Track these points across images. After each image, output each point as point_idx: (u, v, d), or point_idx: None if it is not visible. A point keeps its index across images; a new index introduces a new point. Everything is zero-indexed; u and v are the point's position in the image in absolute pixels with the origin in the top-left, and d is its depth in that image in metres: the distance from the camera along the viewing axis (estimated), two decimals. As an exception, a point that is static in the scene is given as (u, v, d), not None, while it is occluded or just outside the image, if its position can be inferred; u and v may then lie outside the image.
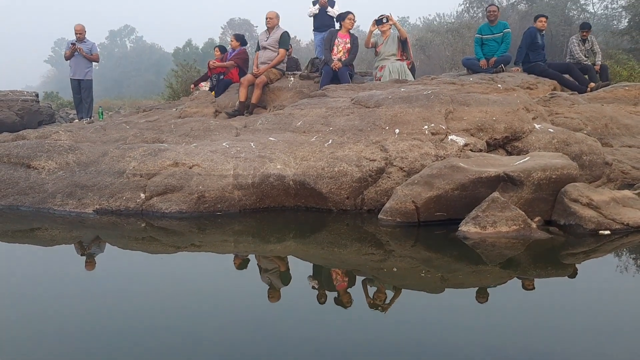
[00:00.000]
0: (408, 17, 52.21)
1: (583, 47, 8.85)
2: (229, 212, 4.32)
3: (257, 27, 54.23)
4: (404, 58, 7.80)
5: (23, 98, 14.87)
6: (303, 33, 36.62)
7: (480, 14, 28.36)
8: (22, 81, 74.76)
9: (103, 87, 47.42)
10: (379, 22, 7.86)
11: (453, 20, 34.36)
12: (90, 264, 3.54)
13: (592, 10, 32.54)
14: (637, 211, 3.70)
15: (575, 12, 27.88)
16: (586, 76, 8.40)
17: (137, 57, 63.47)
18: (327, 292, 2.87)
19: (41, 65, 77.29)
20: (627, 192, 3.96)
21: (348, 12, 8.15)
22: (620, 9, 28.06)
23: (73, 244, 4.01)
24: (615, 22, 30.08)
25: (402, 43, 7.87)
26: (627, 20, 23.57)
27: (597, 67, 8.79)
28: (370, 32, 7.92)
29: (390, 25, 7.88)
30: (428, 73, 25.80)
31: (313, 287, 3.00)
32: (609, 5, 31.93)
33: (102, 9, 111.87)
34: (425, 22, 45.99)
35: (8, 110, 14.33)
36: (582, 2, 30.53)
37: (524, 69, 8.27)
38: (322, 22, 9.74)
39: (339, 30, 8.14)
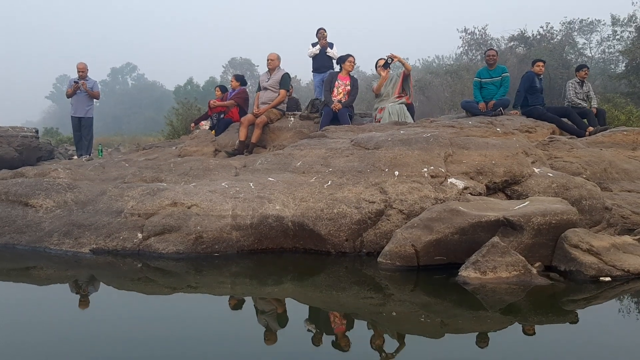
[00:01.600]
0: (407, 58, 52.77)
1: (581, 90, 8.94)
2: (227, 253, 4.28)
3: (257, 66, 55.04)
4: (403, 95, 7.87)
5: (23, 134, 14.92)
6: (303, 73, 37.21)
7: (478, 57, 28.83)
8: (23, 116, 75.35)
9: (103, 123, 47.82)
10: (386, 65, 7.97)
11: (452, 62, 34.96)
12: (84, 303, 3.50)
13: (590, 54, 33.14)
14: (637, 257, 3.67)
15: (573, 56, 28.37)
16: (585, 120, 8.47)
17: (138, 94, 64.14)
18: (324, 335, 2.83)
19: (42, 101, 77.99)
20: (627, 238, 3.94)
21: (348, 55, 8.27)
22: (617, 54, 28.57)
23: (68, 284, 3.97)
24: (612, 66, 30.59)
25: (405, 78, 7.97)
26: (624, 64, 23.96)
27: (594, 110, 8.88)
28: (384, 78, 7.97)
29: (383, 69, 8.04)
30: (427, 114, 26.14)
31: (309, 330, 2.95)
32: (606, 50, 32.56)
33: (104, 47, 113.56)
34: (424, 63, 46.79)
35: (7, 146, 14.36)
36: (580, 46, 31.15)
37: (523, 112, 8.34)
38: (322, 63, 9.89)
39: (339, 72, 8.25)
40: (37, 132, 15.99)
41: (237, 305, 3.47)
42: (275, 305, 3.42)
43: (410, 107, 7.90)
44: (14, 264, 4.34)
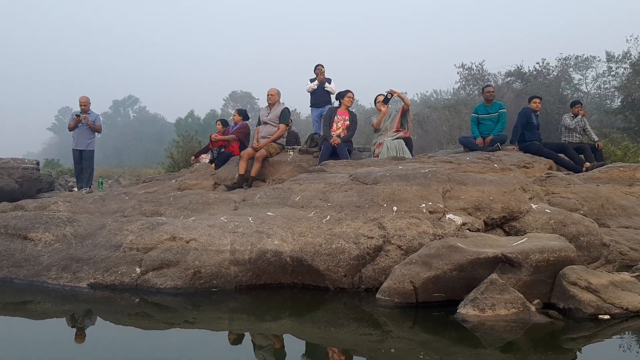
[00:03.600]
0: (406, 92, 53.45)
1: (574, 122, 9.11)
2: (225, 288, 4.27)
3: (258, 99, 55.53)
4: (401, 129, 7.95)
5: (24, 166, 14.97)
6: (303, 106, 37.50)
7: (476, 91, 29.16)
8: (24, 147, 75.71)
9: (104, 155, 47.98)
10: (386, 100, 8.08)
11: (450, 97, 35.36)
12: (80, 338, 3.50)
13: (586, 90, 33.54)
14: (636, 295, 3.66)
15: (569, 92, 28.72)
16: (582, 156, 8.55)
17: (139, 127, 64.58)
18: None
19: (43, 132, 78.50)
20: (625, 276, 3.94)
21: (347, 91, 8.39)
22: (613, 89, 28.92)
23: (64, 319, 3.95)
24: (608, 102, 30.92)
25: (403, 113, 8.07)
26: (619, 100, 24.23)
27: (600, 144, 9.02)
28: (383, 113, 8.06)
29: (383, 104, 8.15)
30: (425, 147, 26.31)
31: None
32: (602, 85, 32.97)
33: (107, 80, 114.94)
34: (422, 97, 47.31)
35: (8, 178, 14.40)
36: (576, 81, 31.55)
37: (520, 147, 8.42)
38: (320, 98, 10.02)
39: (339, 107, 8.35)
40: (38, 163, 16.06)
41: (235, 341, 3.46)
42: (273, 341, 3.41)
43: (408, 142, 7.98)
44: (11, 298, 4.32)
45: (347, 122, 8.12)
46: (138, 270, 4.33)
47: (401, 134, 7.87)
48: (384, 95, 8.23)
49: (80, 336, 3.55)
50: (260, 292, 4.33)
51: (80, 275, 4.38)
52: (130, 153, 55.60)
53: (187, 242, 4.46)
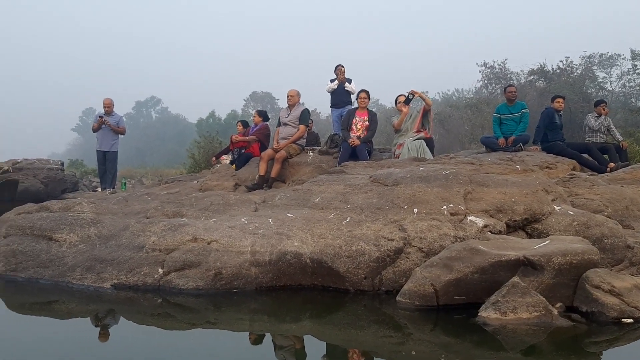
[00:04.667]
0: (427, 91, 53.29)
1: (598, 122, 8.95)
2: (245, 289, 4.30)
3: (278, 99, 55.68)
4: (422, 130, 7.91)
5: (49, 167, 15.29)
6: (323, 106, 37.52)
7: (498, 90, 28.84)
8: (49, 148, 77.28)
9: (127, 155, 48.62)
10: (407, 101, 8.06)
11: (472, 96, 35.02)
12: (103, 337, 3.57)
13: (610, 88, 32.97)
14: (662, 299, 3.59)
15: (593, 90, 28.25)
16: (606, 156, 8.41)
17: (161, 127, 65.26)
18: None
19: (68, 133, 79.88)
20: (651, 279, 3.87)
21: (361, 91, 8.39)
22: (638, 87, 28.39)
23: (88, 318, 4.01)
24: (633, 100, 30.36)
25: (425, 113, 8.03)
26: (645, 97, 23.79)
27: (624, 144, 8.85)
28: (404, 114, 8.04)
29: (403, 105, 8.13)
30: (447, 147, 26.12)
31: None
32: (627, 84, 32.38)
33: (129, 81, 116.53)
34: (444, 97, 46.98)
35: (33, 178, 14.70)
36: (600, 80, 31.02)
37: (543, 148, 8.31)
38: (340, 98, 10.01)
39: (357, 108, 8.35)
40: (62, 164, 16.37)
41: (255, 341, 3.50)
42: (293, 342, 3.45)
43: (429, 142, 7.93)
44: (36, 298, 4.40)
45: (366, 123, 8.10)
46: (160, 271, 4.39)
47: (422, 134, 7.83)
48: (405, 95, 8.21)
49: (103, 335, 3.62)
50: (281, 293, 4.35)
51: (104, 276, 4.45)
52: (152, 153, 56.24)
53: (209, 244, 4.50)
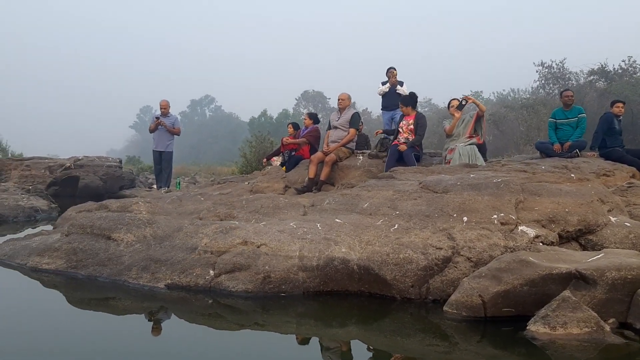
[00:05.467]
0: (481, 91, 52.20)
1: None
2: (293, 293, 4.38)
3: (329, 99, 55.77)
4: (474, 135, 7.79)
5: (108, 164, 15.90)
6: (374, 106, 37.40)
7: (556, 91, 27.99)
8: (108, 144, 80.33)
9: (182, 153, 49.85)
10: (460, 107, 7.95)
11: (528, 96, 34.10)
12: (156, 333, 3.79)
13: (676, 89, 31.44)
14: None
15: (658, 91, 27.03)
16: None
17: (215, 125, 66.57)
18: None
19: (126, 130, 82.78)
20: None
21: (400, 99, 8.42)
22: None
23: (143, 315, 4.22)
24: (702, 100, 28.87)
25: (478, 119, 7.91)
26: None
27: None
28: (456, 119, 7.92)
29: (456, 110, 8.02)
30: (501, 148, 25.54)
31: None
32: (695, 84, 30.80)
33: (185, 80, 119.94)
34: (499, 97, 45.82)
35: (93, 175, 15.33)
36: (665, 80, 29.64)
37: (601, 154, 8.04)
38: (391, 101, 9.98)
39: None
40: (120, 162, 16.98)
41: (302, 343, 3.62)
42: (340, 346, 3.53)
43: (481, 147, 7.79)
44: (95, 294, 4.62)
45: (412, 126, 8.02)
46: (212, 272, 4.52)
47: (474, 139, 7.71)
48: (458, 100, 8.10)
49: (156, 331, 3.83)
50: (328, 298, 4.40)
51: (158, 276, 4.62)
52: (206, 151, 57.47)
53: (258, 247, 4.60)
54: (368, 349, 3.50)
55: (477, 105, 7.91)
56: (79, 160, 15.53)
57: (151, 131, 11.21)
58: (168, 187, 11.01)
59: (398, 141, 7.95)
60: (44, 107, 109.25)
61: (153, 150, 11.25)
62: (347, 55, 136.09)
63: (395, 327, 3.93)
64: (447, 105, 8.61)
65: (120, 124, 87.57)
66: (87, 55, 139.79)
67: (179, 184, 11.10)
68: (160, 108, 11.20)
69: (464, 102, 7.90)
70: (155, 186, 12.62)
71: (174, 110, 11.67)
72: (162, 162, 11.14)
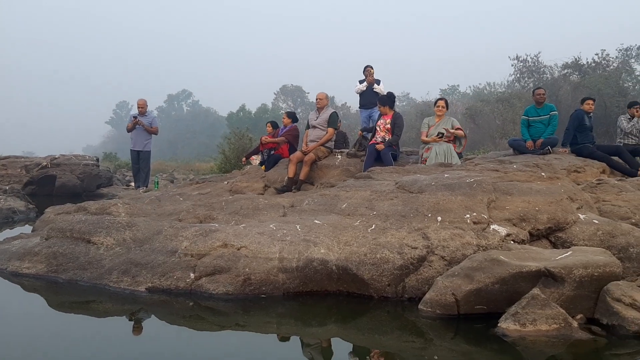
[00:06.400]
0: (458, 85, 52.77)
1: (630, 125, 8.82)
2: (273, 294, 4.46)
3: (308, 93, 55.75)
4: (454, 144, 7.86)
5: (85, 162, 15.74)
6: (353, 101, 37.50)
7: (531, 84, 28.39)
8: (84, 140, 79.40)
9: (159, 148, 49.47)
10: (440, 135, 7.84)
11: (504, 90, 34.53)
12: (137, 335, 3.89)
13: (648, 81, 32.10)
14: (684, 313, 3.62)
15: (630, 84, 27.57)
16: (637, 158, 8.30)
17: (192, 120, 66.13)
18: None
19: (102, 126, 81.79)
20: (673, 293, 3.89)
21: (378, 99, 8.50)
22: (677, 81, 27.59)
23: (124, 317, 4.29)
24: (672, 94, 29.55)
25: (458, 138, 7.98)
26: (685, 92, 23.16)
27: None
28: (433, 139, 7.83)
29: (444, 109, 8.06)
30: (477, 142, 25.83)
31: None
32: (666, 76, 31.48)
33: (162, 75, 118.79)
34: (475, 90, 46.32)
35: (70, 174, 15.17)
36: (638, 73, 30.24)
37: (572, 150, 8.26)
38: (368, 99, 10.10)
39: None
40: (98, 160, 16.82)
41: (283, 343, 3.77)
42: (319, 344, 3.65)
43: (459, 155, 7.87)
44: (76, 297, 4.66)
45: (389, 126, 8.12)
46: (192, 275, 4.58)
47: (451, 145, 7.76)
48: (444, 101, 8.14)
49: (137, 333, 3.93)
50: (307, 298, 4.50)
51: (138, 279, 4.67)
52: (184, 146, 57.08)
53: (238, 249, 4.68)
54: (347, 346, 3.62)
55: (458, 135, 7.94)
56: (56, 158, 15.35)
57: (129, 130, 11.18)
58: (146, 186, 11.00)
59: (375, 140, 8.08)
60: (16, 100, 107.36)
61: (131, 150, 11.23)
62: (327, 50, 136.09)
63: (372, 325, 4.06)
64: (434, 103, 8.49)
65: (97, 120, 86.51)
66: (60, 47, 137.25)
67: (157, 184, 11.08)
68: (138, 107, 11.18)
69: (442, 134, 7.83)
70: (133, 184, 12.58)
71: (150, 105, 11.65)
72: (140, 161, 11.12)
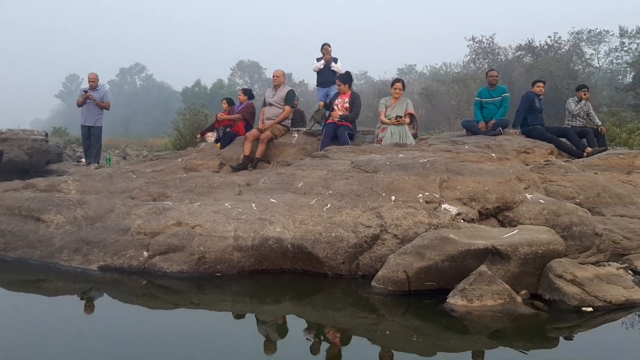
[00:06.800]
0: (415, 64, 53.26)
1: (578, 107, 9.13)
2: (228, 273, 4.47)
3: (266, 69, 55.20)
4: (409, 125, 7.96)
5: (33, 137, 15.24)
6: (311, 77, 37.33)
7: (486, 65, 28.91)
8: (32, 114, 76.59)
9: (111, 124, 48.13)
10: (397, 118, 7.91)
11: (459, 70, 35.05)
12: (89, 314, 3.85)
13: (598, 65, 33.19)
14: (619, 288, 3.82)
15: (580, 67, 28.45)
16: (584, 140, 8.62)
17: (146, 95, 64.64)
18: (322, 346, 3.19)
19: (51, 99, 79.05)
20: (611, 269, 4.10)
21: (337, 78, 8.48)
22: (625, 65, 28.63)
23: (75, 296, 4.24)
24: (620, 77, 30.64)
25: (410, 116, 8.05)
26: (631, 76, 24.04)
27: (603, 129, 9.04)
28: (392, 123, 7.91)
29: (401, 91, 8.12)
30: (433, 122, 26.23)
31: (308, 339, 3.31)
32: (614, 61, 32.60)
33: (114, 47, 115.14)
34: (432, 70, 46.88)
35: (18, 149, 14.68)
36: (587, 56, 31.20)
37: (522, 131, 8.51)
38: (326, 78, 10.10)
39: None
40: (47, 135, 16.31)
41: (237, 319, 3.78)
42: (274, 321, 3.68)
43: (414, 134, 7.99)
44: (26, 276, 4.57)
45: (347, 105, 8.15)
46: (145, 254, 4.54)
47: (407, 126, 7.85)
48: (401, 83, 8.18)
49: (90, 313, 3.87)
50: (262, 277, 4.53)
51: (90, 258, 4.60)
52: (137, 122, 55.83)
53: (193, 228, 4.65)
54: (302, 323, 3.68)
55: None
56: (3, 133, 14.82)
57: (79, 105, 10.85)
58: (98, 162, 10.75)
59: (332, 119, 8.10)
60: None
61: (81, 125, 10.92)
62: (285, 27, 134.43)
63: (327, 302, 4.14)
64: (391, 84, 8.51)
65: (45, 93, 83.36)
66: (5, 17, 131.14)
67: (109, 160, 10.84)
68: (89, 81, 10.85)
69: (399, 117, 7.89)
70: (84, 160, 12.26)
71: (102, 79, 11.32)
72: (91, 137, 10.84)
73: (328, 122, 8.17)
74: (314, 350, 3.09)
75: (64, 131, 29.67)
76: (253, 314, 3.89)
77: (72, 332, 3.41)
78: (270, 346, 3.18)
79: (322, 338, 3.39)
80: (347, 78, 8.38)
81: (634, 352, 3.27)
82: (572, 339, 3.39)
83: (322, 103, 9.10)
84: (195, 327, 3.54)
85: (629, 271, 4.50)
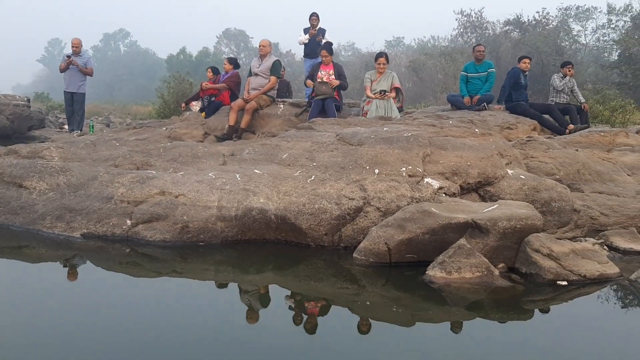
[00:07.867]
0: (403, 37, 52.92)
1: (562, 83, 9.19)
2: (211, 242, 4.51)
3: (252, 38, 54.47)
4: (394, 98, 7.96)
5: (15, 102, 14.96)
6: (298, 48, 36.95)
7: (473, 39, 28.84)
8: (14, 79, 75.00)
9: (95, 90, 47.48)
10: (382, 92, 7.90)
11: (447, 44, 34.93)
12: (72, 280, 3.90)
13: (584, 42, 33.25)
14: (594, 263, 3.93)
15: (567, 43, 28.48)
16: (567, 117, 8.70)
17: (130, 62, 63.59)
18: (303, 315, 3.26)
19: (33, 64, 77.45)
20: (587, 244, 4.21)
21: (322, 48, 8.41)
22: (612, 42, 28.72)
23: (58, 263, 4.27)
24: (606, 54, 30.76)
25: (396, 90, 8.04)
26: (617, 53, 24.15)
27: (586, 106, 9.11)
28: (377, 98, 7.85)
29: (385, 65, 8.09)
30: (420, 95, 26.19)
31: (289, 309, 3.39)
32: (601, 38, 32.68)
33: (97, 12, 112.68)
34: (419, 43, 46.61)
35: (-1, 115, 14.43)
36: (575, 33, 31.23)
37: (507, 107, 8.55)
38: (313, 49, 10.05)
39: (321, 62, 8.37)
40: (29, 100, 16.03)
41: (220, 288, 3.82)
42: (257, 290, 3.75)
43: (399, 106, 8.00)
44: (8, 243, 4.57)
45: (332, 76, 8.13)
46: (129, 222, 4.55)
47: (392, 99, 7.85)
48: (385, 57, 8.14)
49: (73, 280, 3.92)
50: (246, 247, 4.57)
51: (73, 225, 4.60)
52: (121, 88, 55.09)
53: (176, 197, 4.66)
54: (284, 292, 3.74)
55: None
56: (-17, 99, 14.53)
57: (62, 71, 10.67)
58: (81, 130, 10.62)
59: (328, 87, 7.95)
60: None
61: (64, 91, 10.74)
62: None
63: (309, 272, 4.20)
64: (374, 59, 8.47)
65: (27, 57, 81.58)
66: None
67: (92, 127, 10.70)
68: (72, 46, 10.64)
69: (384, 92, 7.86)
70: (66, 127, 12.11)
71: (85, 44, 11.11)
72: (74, 103, 10.68)
73: (315, 97, 8.06)
74: (296, 319, 3.16)
75: (47, 97, 29.12)
76: (236, 283, 3.95)
77: (56, 299, 3.43)
78: (252, 315, 3.24)
79: (303, 308, 3.46)
80: (331, 49, 8.35)
81: (606, 323, 3.38)
82: (547, 311, 3.49)
83: (310, 82, 9.00)
84: (178, 295, 3.60)
85: (605, 247, 4.61)
